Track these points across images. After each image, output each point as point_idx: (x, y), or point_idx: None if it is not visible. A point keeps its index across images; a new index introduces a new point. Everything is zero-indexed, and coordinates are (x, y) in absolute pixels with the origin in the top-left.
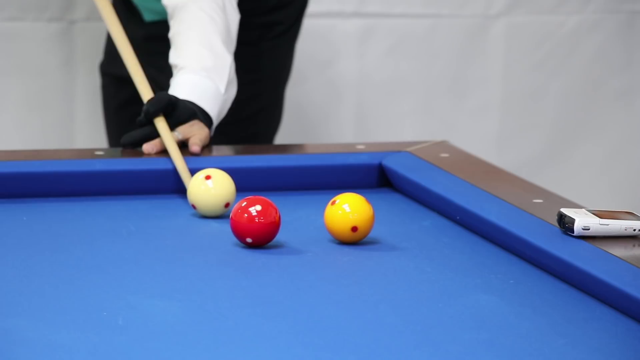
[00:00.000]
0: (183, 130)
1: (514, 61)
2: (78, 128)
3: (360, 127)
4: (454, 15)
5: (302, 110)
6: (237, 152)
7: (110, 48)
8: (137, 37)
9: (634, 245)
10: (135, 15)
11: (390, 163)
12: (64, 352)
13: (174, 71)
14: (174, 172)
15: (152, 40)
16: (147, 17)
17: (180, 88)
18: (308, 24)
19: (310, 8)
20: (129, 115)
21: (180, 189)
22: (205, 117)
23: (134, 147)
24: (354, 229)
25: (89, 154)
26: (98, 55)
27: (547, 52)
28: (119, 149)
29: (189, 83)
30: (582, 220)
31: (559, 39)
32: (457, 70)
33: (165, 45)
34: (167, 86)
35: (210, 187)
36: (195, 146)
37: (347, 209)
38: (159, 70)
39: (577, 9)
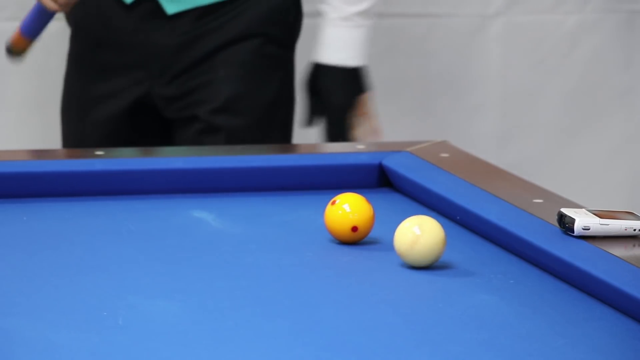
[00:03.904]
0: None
1: (512, 61)
2: None
3: None
4: (452, 14)
5: (299, 110)
6: (237, 152)
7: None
8: (162, 47)
9: (634, 245)
10: (156, 17)
11: (390, 163)
12: (64, 352)
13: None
14: (174, 172)
15: (188, 48)
16: (170, 9)
17: (332, 53)
18: (306, 23)
19: (308, 7)
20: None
21: (181, 189)
22: (356, 73)
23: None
24: (354, 229)
25: (89, 154)
26: None
27: (545, 51)
28: (119, 149)
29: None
30: (582, 220)
31: (557, 38)
32: (455, 70)
33: (203, 45)
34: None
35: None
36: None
37: (347, 209)
38: (203, 85)
39: (576, 9)
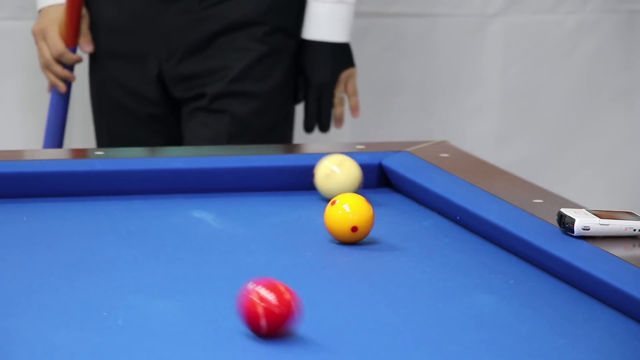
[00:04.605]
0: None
1: (512, 61)
2: (77, 128)
3: (357, 126)
4: (451, 14)
5: (298, 110)
6: (237, 152)
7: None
8: (169, 29)
9: (634, 245)
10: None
11: (390, 163)
12: (64, 352)
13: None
14: (174, 172)
15: (193, 30)
16: None
17: (315, 29)
18: None
19: None
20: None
21: (181, 189)
22: (340, 50)
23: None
24: (354, 229)
25: (89, 154)
26: None
27: (545, 51)
28: (119, 149)
29: (323, 16)
30: (582, 220)
31: (557, 38)
32: (455, 70)
33: (208, 27)
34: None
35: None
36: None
37: (347, 209)
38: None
39: (576, 9)
